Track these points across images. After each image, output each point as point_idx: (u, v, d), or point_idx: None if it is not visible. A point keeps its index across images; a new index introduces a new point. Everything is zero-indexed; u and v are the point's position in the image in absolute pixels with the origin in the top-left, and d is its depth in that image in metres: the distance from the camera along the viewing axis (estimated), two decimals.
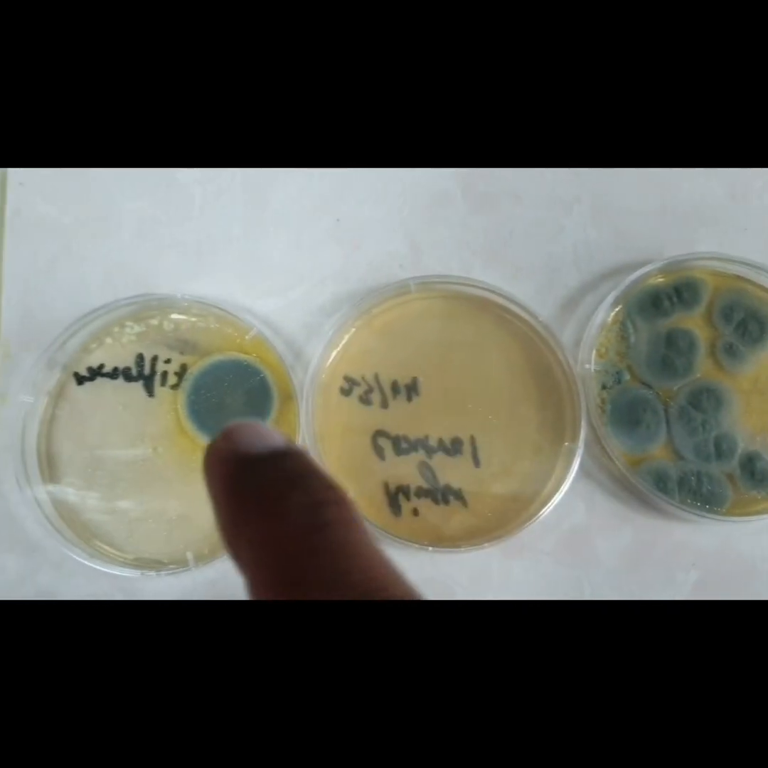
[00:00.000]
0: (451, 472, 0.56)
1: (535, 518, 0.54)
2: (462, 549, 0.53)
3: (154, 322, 0.57)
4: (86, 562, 0.51)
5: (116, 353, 0.56)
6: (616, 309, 0.58)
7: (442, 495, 0.56)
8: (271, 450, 0.25)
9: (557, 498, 0.54)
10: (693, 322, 0.59)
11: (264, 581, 0.24)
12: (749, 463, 0.56)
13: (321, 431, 0.55)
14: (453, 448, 0.56)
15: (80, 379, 0.56)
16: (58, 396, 0.56)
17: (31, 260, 0.58)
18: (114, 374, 0.56)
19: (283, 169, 0.60)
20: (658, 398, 0.57)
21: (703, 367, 0.58)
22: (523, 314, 0.57)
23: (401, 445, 0.56)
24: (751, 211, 0.62)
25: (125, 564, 0.53)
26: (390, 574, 0.23)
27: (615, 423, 0.56)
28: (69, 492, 0.54)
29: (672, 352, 0.57)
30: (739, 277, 0.60)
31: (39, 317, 0.57)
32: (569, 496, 0.55)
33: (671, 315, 0.58)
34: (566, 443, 0.55)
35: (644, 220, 0.62)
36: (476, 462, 0.56)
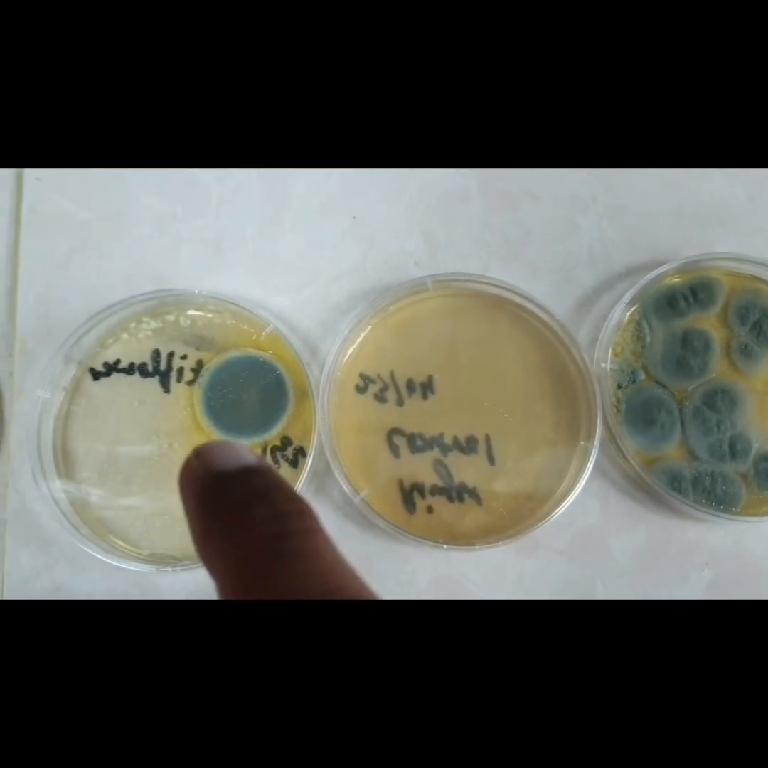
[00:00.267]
0: (466, 470, 0.56)
1: (549, 517, 0.54)
2: (476, 547, 0.53)
3: (171, 318, 0.57)
4: (101, 558, 0.51)
5: (132, 349, 0.56)
6: (632, 309, 0.58)
7: (456, 493, 0.56)
8: (240, 467, 0.27)
9: (572, 497, 0.54)
10: (708, 322, 0.59)
11: (230, 586, 0.25)
12: (763, 463, 0.56)
13: (336, 428, 0.55)
14: (468, 446, 0.56)
15: (96, 375, 0.56)
16: (74, 391, 0.56)
17: (49, 256, 0.58)
18: (130, 370, 0.56)
19: (299, 169, 0.60)
20: (673, 398, 0.57)
21: (718, 368, 0.58)
22: (539, 313, 0.57)
23: (416, 443, 0.56)
24: (767, 210, 0.62)
25: (140, 559, 0.53)
26: (347, 577, 0.24)
27: (630, 422, 0.57)
28: (84, 487, 0.54)
29: (687, 352, 0.57)
30: (754, 278, 0.60)
31: (56, 313, 0.57)
32: (584, 495, 0.55)
33: (687, 315, 0.59)
34: (581, 442, 0.55)
35: (661, 220, 0.62)
36: (491, 460, 0.56)
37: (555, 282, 0.60)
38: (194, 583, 0.54)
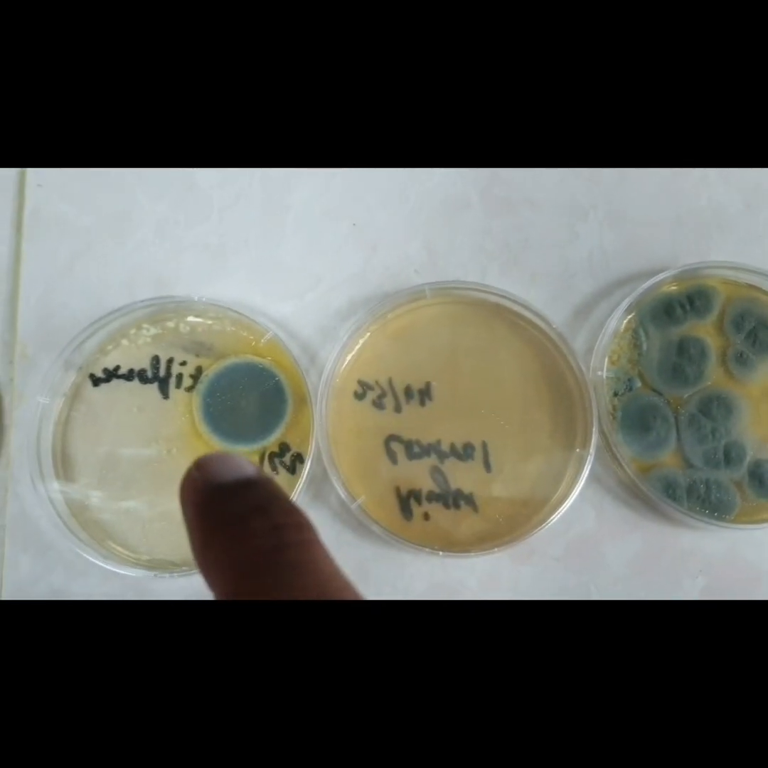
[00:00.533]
0: (463, 476, 0.56)
1: (545, 524, 0.54)
2: (472, 554, 0.54)
3: (171, 324, 0.57)
4: (100, 563, 0.52)
5: (132, 355, 0.57)
6: (629, 316, 0.59)
7: (453, 499, 0.56)
8: (239, 479, 0.27)
9: (567, 504, 0.54)
10: (705, 330, 0.59)
11: (227, 597, 0.26)
12: (757, 470, 0.57)
13: (334, 435, 0.56)
14: (465, 453, 0.57)
15: (96, 381, 0.56)
16: (73, 397, 0.56)
17: (50, 261, 0.59)
18: (129, 376, 0.56)
19: (301, 173, 0.60)
20: (669, 406, 0.58)
21: (714, 375, 0.58)
22: (536, 321, 0.58)
23: (414, 450, 0.57)
24: (765, 220, 0.62)
25: (138, 564, 0.54)
26: (342, 590, 0.25)
27: (625, 430, 0.57)
28: (83, 493, 0.55)
29: (683, 359, 0.58)
30: (751, 286, 0.60)
31: (57, 318, 0.58)
32: (579, 502, 0.56)
33: (683, 323, 0.59)
34: (577, 450, 0.56)
35: (659, 228, 0.62)
36: (487, 467, 0.56)
37: (554, 289, 0.60)
38: (191, 588, 0.54)
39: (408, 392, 0.57)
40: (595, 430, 0.55)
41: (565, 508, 0.55)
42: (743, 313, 0.59)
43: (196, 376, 0.56)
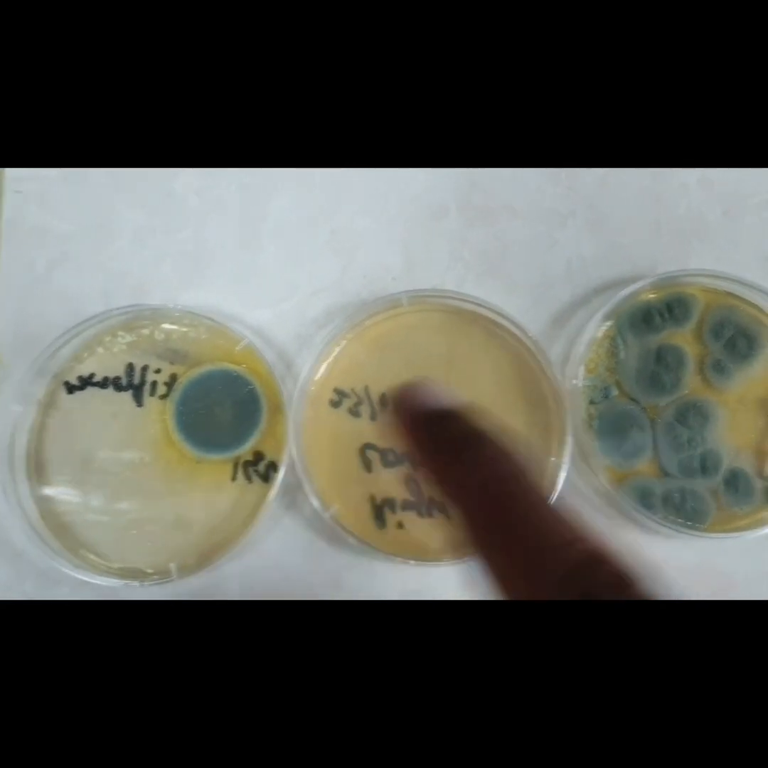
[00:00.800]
0: None
1: None
2: (444, 562, 0.53)
3: (145, 331, 0.57)
4: (71, 573, 0.52)
5: (107, 363, 0.57)
6: (607, 324, 0.58)
7: (426, 508, 0.56)
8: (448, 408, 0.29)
9: None
10: (683, 338, 0.59)
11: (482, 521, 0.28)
12: (733, 479, 0.56)
13: (309, 443, 0.56)
14: None
15: (70, 388, 0.56)
16: (48, 405, 0.56)
17: (27, 269, 0.59)
18: (104, 384, 0.56)
19: (279, 181, 0.60)
20: (646, 414, 0.57)
21: (691, 384, 0.58)
22: (513, 329, 0.57)
23: (389, 458, 0.57)
24: (744, 228, 0.62)
25: (110, 573, 0.54)
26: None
27: (602, 438, 0.57)
28: (56, 501, 0.55)
29: (661, 367, 0.58)
30: (729, 294, 0.60)
31: (32, 326, 0.58)
32: None
33: (662, 331, 0.59)
34: (552, 458, 0.55)
35: (639, 235, 0.62)
36: None
37: (532, 297, 0.60)
38: (163, 598, 0.54)
39: (384, 400, 0.57)
40: (569, 438, 0.55)
41: None
42: (722, 321, 0.59)
43: (171, 383, 0.56)
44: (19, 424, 0.55)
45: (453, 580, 0.55)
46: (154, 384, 0.56)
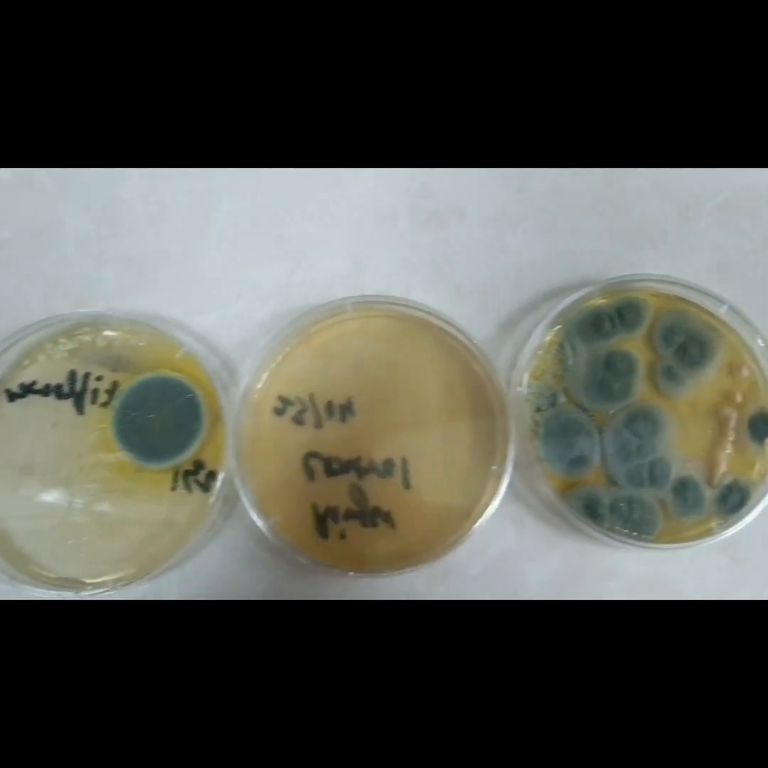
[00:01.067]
0: (382, 494, 0.55)
1: (461, 542, 0.53)
2: (384, 574, 0.53)
3: (87, 338, 0.57)
4: (5, 585, 0.51)
5: (49, 370, 0.56)
6: (555, 330, 0.57)
7: (370, 517, 0.55)
8: None
9: (481, 523, 0.53)
10: (633, 344, 0.58)
11: None
12: (682, 488, 0.56)
13: (250, 452, 0.55)
14: (385, 469, 0.56)
15: (12, 396, 0.56)
16: None
17: None
18: (46, 391, 0.56)
19: (225, 185, 0.60)
20: (594, 421, 0.56)
21: (641, 391, 0.57)
22: (459, 336, 0.57)
23: (332, 467, 0.56)
24: (699, 232, 0.61)
25: (48, 583, 0.53)
26: None
27: (548, 446, 0.56)
28: None
29: (610, 374, 0.57)
30: (682, 300, 0.59)
31: None
32: (499, 521, 0.55)
33: (612, 337, 0.58)
34: (495, 466, 0.55)
35: (591, 240, 0.61)
36: (407, 484, 0.56)
37: (479, 303, 0.59)
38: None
39: (329, 408, 0.57)
40: (511, 446, 0.54)
41: (481, 526, 0.53)
42: (673, 326, 0.58)
43: (112, 391, 0.56)
44: None
45: (397, 589, 0.55)
46: (95, 391, 0.56)
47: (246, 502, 0.53)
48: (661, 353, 0.57)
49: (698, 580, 0.56)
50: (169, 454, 0.54)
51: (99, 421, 0.55)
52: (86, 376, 0.56)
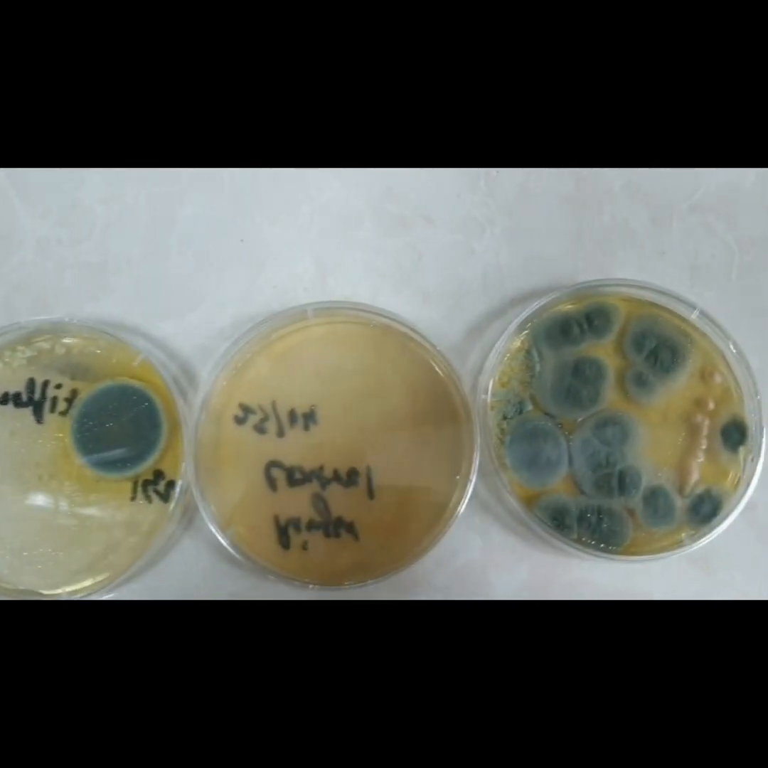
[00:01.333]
0: (345, 504, 0.54)
1: (425, 553, 0.52)
2: (345, 586, 0.52)
3: (46, 346, 0.56)
4: None
5: (7, 378, 0.55)
6: (522, 336, 0.56)
7: (333, 528, 0.54)
8: None
9: (448, 533, 0.52)
10: (603, 350, 0.57)
11: None
12: (652, 498, 0.54)
13: (210, 462, 0.54)
14: (349, 479, 0.55)
15: None
16: None
17: None
18: (4, 400, 0.55)
19: (188, 188, 0.59)
20: (561, 429, 0.55)
21: (611, 397, 0.56)
22: (423, 343, 0.55)
23: (295, 476, 0.55)
24: (671, 234, 0.60)
25: (5, 594, 0.52)
26: None
27: (514, 455, 0.55)
28: None
29: (578, 381, 0.56)
30: (652, 304, 0.58)
31: None
32: (464, 531, 0.54)
33: (581, 343, 0.57)
34: (460, 476, 0.54)
35: (560, 244, 0.60)
36: (371, 493, 0.54)
37: (446, 308, 0.58)
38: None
39: (292, 416, 0.56)
40: (476, 455, 0.53)
41: (446, 537, 0.52)
42: (644, 332, 0.57)
43: (71, 399, 0.55)
44: None
45: (360, 600, 0.53)
46: (54, 400, 0.55)
47: (204, 513, 0.52)
48: (631, 359, 0.56)
49: (669, 592, 0.55)
50: (129, 463, 0.53)
51: (58, 429, 0.54)
52: (45, 384, 0.55)
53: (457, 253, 0.59)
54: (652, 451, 0.55)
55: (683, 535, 0.54)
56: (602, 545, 0.53)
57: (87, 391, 0.54)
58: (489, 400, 0.54)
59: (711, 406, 0.56)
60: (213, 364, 0.55)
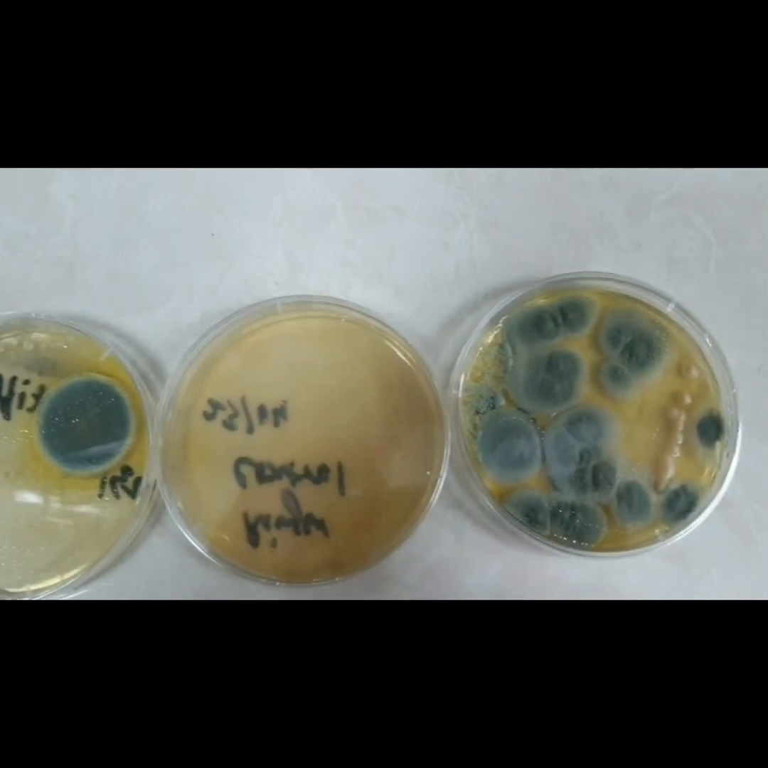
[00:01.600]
0: (316, 500, 0.54)
1: (396, 550, 0.52)
2: (313, 583, 0.51)
3: (14, 341, 0.55)
4: None
5: None
6: (495, 331, 0.56)
7: (303, 525, 0.53)
8: None
9: (419, 529, 0.51)
10: (578, 344, 0.56)
11: None
12: (627, 494, 0.54)
13: (178, 458, 0.53)
14: (319, 475, 0.54)
15: None
16: None
17: None
18: None
19: (158, 182, 0.58)
20: (535, 424, 0.55)
21: (585, 392, 0.55)
22: (394, 338, 0.55)
23: (265, 473, 0.54)
24: (648, 227, 0.59)
25: None
26: None
27: (486, 450, 0.54)
28: None
29: (552, 375, 0.55)
30: (629, 298, 0.57)
31: None
32: (436, 527, 0.53)
33: (555, 337, 0.56)
34: (431, 471, 0.53)
35: (535, 237, 0.59)
36: (342, 490, 0.54)
37: (419, 303, 0.57)
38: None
39: (262, 412, 0.55)
40: (447, 451, 0.52)
41: (417, 534, 0.52)
42: (620, 326, 0.56)
43: (39, 395, 0.54)
44: None
45: (329, 597, 0.53)
46: (22, 396, 0.54)
47: (171, 511, 0.51)
48: (606, 353, 0.56)
49: (644, 589, 0.54)
50: (96, 460, 0.53)
51: (25, 425, 0.53)
52: (13, 379, 0.54)
53: (431, 246, 0.58)
54: (627, 446, 0.54)
55: (658, 531, 0.53)
56: (575, 541, 0.52)
57: (55, 386, 0.54)
58: (461, 395, 0.53)
59: (687, 400, 0.55)
60: (182, 359, 0.54)
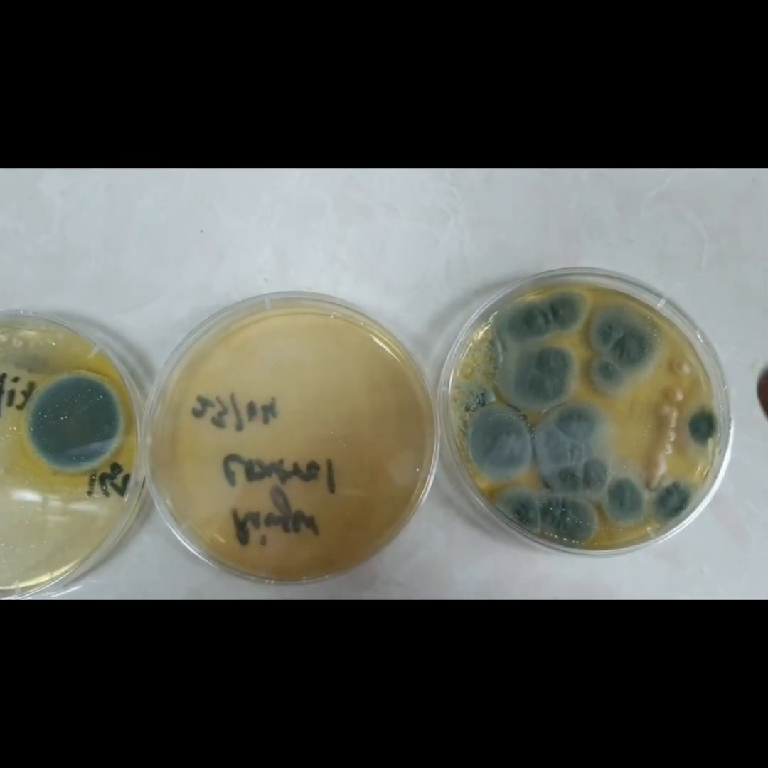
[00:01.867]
0: (305, 498, 0.54)
1: (386, 547, 0.51)
2: (303, 581, 0.51)
3: (3, 338, 0.55)
4: None
5: None
6: (485, 327, 0.55)
7: (293, 523, 0.53)
8: None
9: (408, 527, 0.51)
10: (569, 340, 0.56)
11: None
12: (619, 491, 0.53)
13: (167, 455, 0.53)
14: (309, 472, 0.54)
15: None
16: None
17: None
18: None
19: (148, 179, 0.58)
20: (525, 421, 0.54)
21: (576, 389, 0.55)
22: (384, 334, 0.55)
23: (254, 470, 0.54)
24: (639, 223, 0.59)
25: None
26: None
27: (476, 447, 0.54)
28: None
29: (542, 372, 0.55)
30: (619, 294, 0.57)
31: None
32: (426, 524, 0.53)
33: (545, 333, 0.56)
34: (418, 469, 0.53)
35: (526, 233, 0.59)
36: (331, 487, 0.54)
37: (409, 299, 0.57)
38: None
39: (251, 409, 0.55)
40: (437, 448, 0.52)
41: (407, 531, 0.51)
42: (611, 322, 0.56)
43: (28, 392, 0.54)
44: None
45: (320, 595, 0.53)
46: (12, 393, 0.54)
47: (160, 508, 0.51)
48: (597, 350, 0.55)
49: (636, 587, 0.54)
50: (86, 457, 0.52)
51: (14, 423, 0.53)
52: (2, 377, 0.54)
53: (421, 243, 0.58)
54: (619, 443, 0.54)
55: (650, 528, 0.53)
56: (566, 539, 0.52)
57: (44, 384, 0.53)
58: (451, 391, 0.53)
59: (679, 397, 0.55)
60: (171, 356, 0.54)
